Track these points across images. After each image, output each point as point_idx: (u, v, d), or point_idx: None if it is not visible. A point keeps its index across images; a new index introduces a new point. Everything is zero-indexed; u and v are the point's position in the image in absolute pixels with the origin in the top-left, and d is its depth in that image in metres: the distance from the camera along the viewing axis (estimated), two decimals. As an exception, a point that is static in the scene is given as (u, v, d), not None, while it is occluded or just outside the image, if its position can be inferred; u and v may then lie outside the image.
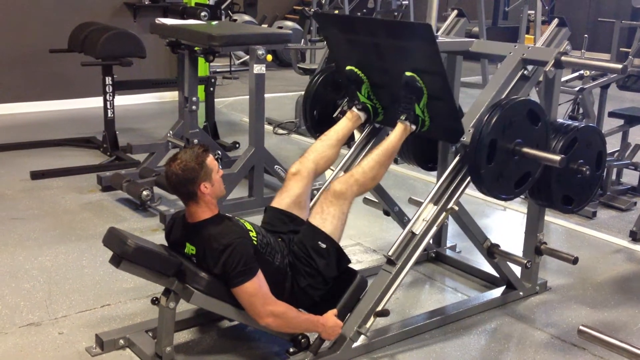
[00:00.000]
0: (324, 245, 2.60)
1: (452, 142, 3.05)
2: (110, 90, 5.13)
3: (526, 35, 8.24)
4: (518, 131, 2.72)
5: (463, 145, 2.76)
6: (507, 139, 2.70)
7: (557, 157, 2.67)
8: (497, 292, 3.23)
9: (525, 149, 2.72)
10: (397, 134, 2.82)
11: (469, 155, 2.71)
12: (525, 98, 2.80)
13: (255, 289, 2.42)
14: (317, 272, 2.61)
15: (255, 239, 2.53)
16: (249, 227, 2.58)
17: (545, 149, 2.80)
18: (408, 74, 2.76)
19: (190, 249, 2.53)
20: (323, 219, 2.62)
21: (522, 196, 4.41)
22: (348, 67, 3.00)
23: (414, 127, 2.82)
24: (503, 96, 2.85)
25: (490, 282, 3.37)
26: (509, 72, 2.90)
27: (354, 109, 3.02)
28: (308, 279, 2.61)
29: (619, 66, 2.78)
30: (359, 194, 2.78)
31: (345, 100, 3.14)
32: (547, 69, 2.80)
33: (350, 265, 2.78)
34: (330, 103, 3.26)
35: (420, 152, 3.43)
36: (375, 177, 2.78)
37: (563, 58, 2.80)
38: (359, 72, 2.98)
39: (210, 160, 2.53)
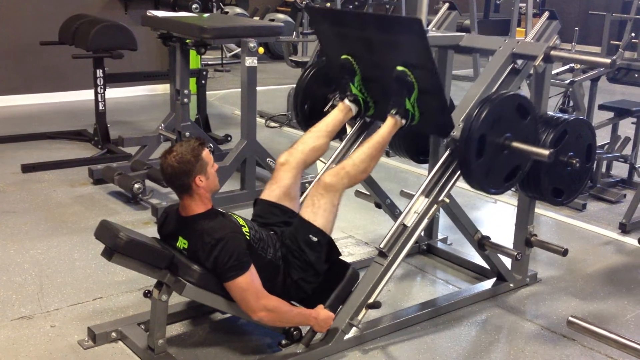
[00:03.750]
0: (315, 239, 2.60)
1: (442, 137, 3.05)
2: (102, 82, 5.11)
3: (517, 28, 8.25)
4: (507, 125, 2.72)
5: (453, 139, 2.77)
6: (496, 134, 2.71)
7: (546, 152, 2.69)
8: (487, 284, 3.26)
9: (515, 143, 2.73)
10: (387, 128, 2.81)
11: (458, 150, 2.72)
12: (514, 92, 2.80)
13: (248, 283, 2.43)
14: (309, 265, 2.62)
15: (248, 234, 2.54)
16: (241, 222, 2.58)
17: (535, 142, 2.81)
18: (399, 68, 2.76)
19: (182, 242, 2.53)
20: (314, 212, 2.63)
21: (512, 189, 4.47)
22: (344, 56, 2.97)
23: (403, 121, 2.81)
24: (493, 90, 2.86)
25: (481, 274, 3.39)
26: (498, 66, 2.91)
27: (346, 100, 3.00)
28: (300, 273, 2.62)
29: (607, 60, 2.79)
30: (349, 186, 2.77)
31: (336, 94, 3.14)
32: (536, 64, 2.81)
33: (342, 258, 2.79)
34: (321, 97, 3.24)
35: (411, 144, 3.44)
36: (366, 169, 2.77)
37: (552, 52, 2.82)
38: (353, 62, 2.96)
39: (206, 153, 2.53)
